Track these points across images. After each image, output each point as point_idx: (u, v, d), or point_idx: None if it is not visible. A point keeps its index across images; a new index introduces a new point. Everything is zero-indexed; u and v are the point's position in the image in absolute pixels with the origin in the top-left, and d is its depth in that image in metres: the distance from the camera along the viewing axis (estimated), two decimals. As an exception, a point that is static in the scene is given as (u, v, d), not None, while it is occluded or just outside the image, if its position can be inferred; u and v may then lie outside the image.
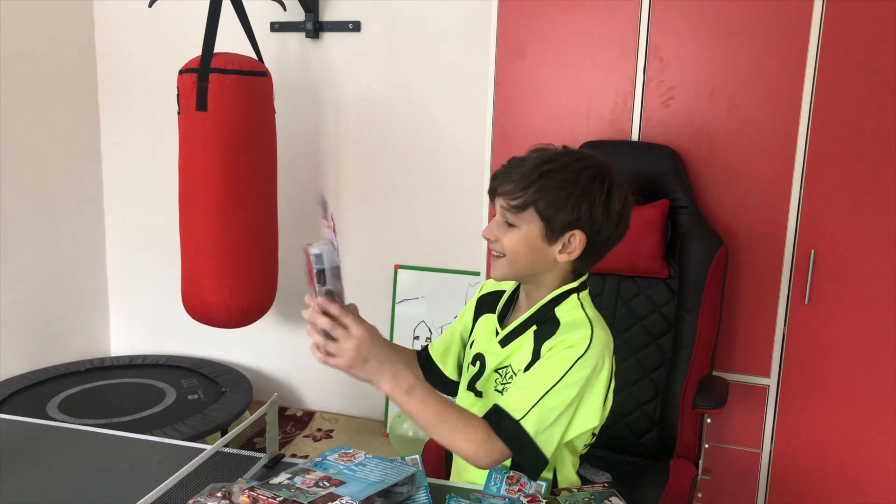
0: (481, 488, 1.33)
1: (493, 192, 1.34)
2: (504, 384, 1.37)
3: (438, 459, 1.88)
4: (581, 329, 1.29)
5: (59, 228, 3.33)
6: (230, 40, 2.84)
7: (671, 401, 2.00)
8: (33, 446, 1.48)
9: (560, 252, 1.31)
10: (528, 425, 1.24)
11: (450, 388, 1.58)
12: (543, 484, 1.33)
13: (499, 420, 1.25)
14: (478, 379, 1.43)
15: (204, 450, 1.41)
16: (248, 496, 1.17)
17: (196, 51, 2.66)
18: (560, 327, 1.32)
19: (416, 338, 3.18)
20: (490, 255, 1.40)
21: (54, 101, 3.24)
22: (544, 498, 1.29)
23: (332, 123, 3.16)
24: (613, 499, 1.29)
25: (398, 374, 1.23)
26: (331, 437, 3.19)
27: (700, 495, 2.12)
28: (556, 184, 1.27)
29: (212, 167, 2.53)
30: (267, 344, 3.43)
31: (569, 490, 1.34)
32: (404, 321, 3.19)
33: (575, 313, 1.33)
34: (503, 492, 1.33)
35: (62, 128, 3.30)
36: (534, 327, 1.35)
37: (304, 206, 3.26)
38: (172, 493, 1.23)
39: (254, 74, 2.60)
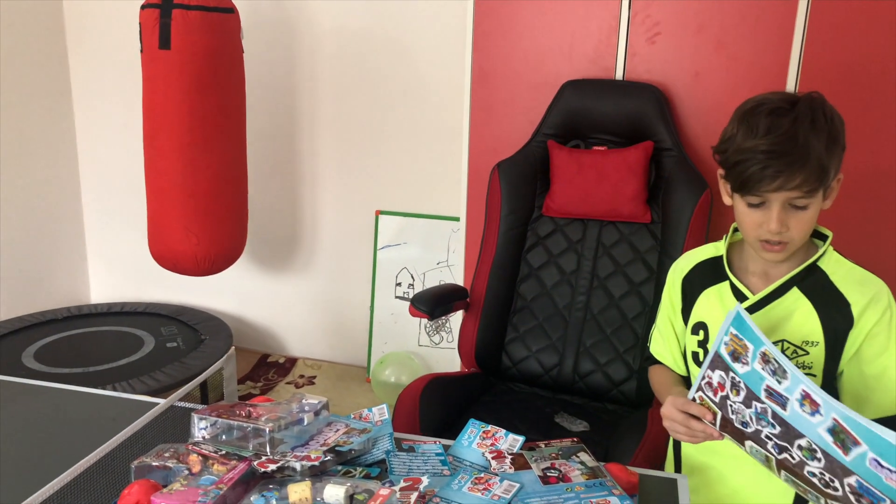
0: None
1: (762, 189, 1.12)
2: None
3: (413, 407, 1.86)
4: (872, 283, 1.20)
5: (32, 174, 3.23)
6: (198, -26, 2.70)
7: (650, 349, 1.96)
8: (-15, 402, 1.43)
9: (826, 198, 1.18)
10: None
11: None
12: (520, 439, 1.29)
13: None
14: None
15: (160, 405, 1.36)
16: (197, 454, 1.14)
17: (160, -15, 2.52)
18: (846, 287, 1.19)
19: (399, 284, 3.14)
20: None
21: (20, 41, 3.10)
22: (510, 454, 1.25)
23: (306, 62, 3.03)
24: (582, 454, 1.25)
25: None
26: (313, 383, 3.17)
27: (678, 443, 2.10)
28: (835, 143, 1.13)
29: (176, 108, 2.43)
30: (249, 290, 3.38)
31: (536, 445, 1.30)
32: (386, 267, 3.14)
33: (844, 266, 1.22)
34: (474, 446, 1.30)
35: (29, 69, 3.17)
36: (794, 288, 1.21)
37: (276, 149, 3.16)
38: (122, 450, 1.19)
39: (220, 11, 2.47)
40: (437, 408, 1.83)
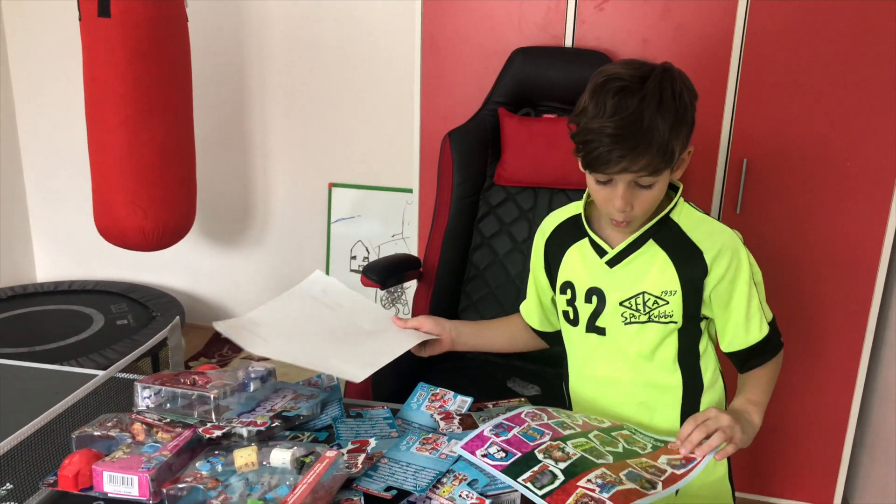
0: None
1: (607, 170, 1.14)
2: (639, 313, 1.26)
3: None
4: (721, 232, 1.27)
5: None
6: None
7: (600, 314, 1.98)
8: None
9: (675, 170, 1.22)
10: (773, 326, 1.30)
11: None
12: (468, 400, 1.30)
13: (768, 349, 1.30)
14: (598, 316, 1.30)
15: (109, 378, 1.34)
16: (141, 422, 1.12)
17: (99, -50, 2.43)
18: (697, 236, 1.25)
19: (353, 257, 3.12)
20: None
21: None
22: (458, 415, 1.26)
23: (255, 31, 2.97)
24: (527, 413, 1.27)
25: (754, 410, 1.27)
26: (268, 358, 3.14)
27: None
28: (681, 124, 1.15)
29: (118, 79, 2.36)
30: (201, 266, 3.33)
31: (484, 406, 1.32)
32: (341, 241, 3.12)
33: (694, 216, 1.28)
34: (423, 409, 1.30)
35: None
36: (650, 241, 1.25)
37: (225, 120, 3.10)
38: (62, 423, 1.16)
39: (162, -23, 2.40)
40: (389, 376, 1.83)
